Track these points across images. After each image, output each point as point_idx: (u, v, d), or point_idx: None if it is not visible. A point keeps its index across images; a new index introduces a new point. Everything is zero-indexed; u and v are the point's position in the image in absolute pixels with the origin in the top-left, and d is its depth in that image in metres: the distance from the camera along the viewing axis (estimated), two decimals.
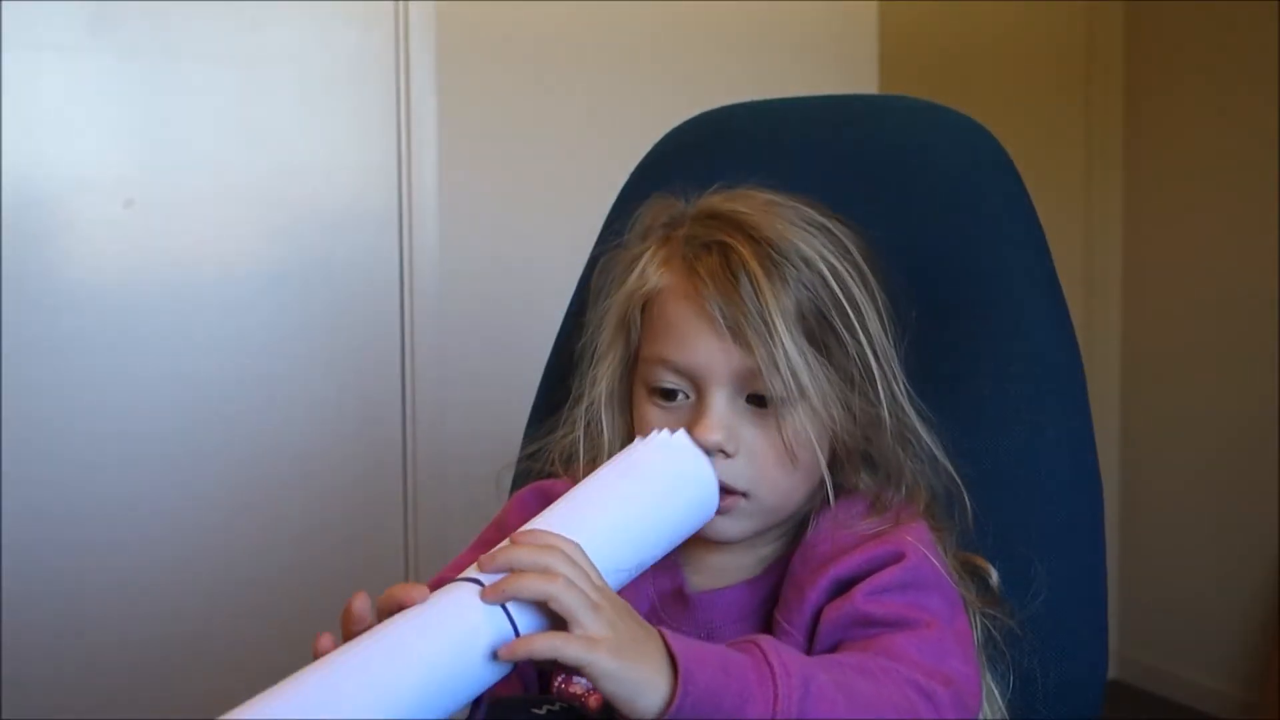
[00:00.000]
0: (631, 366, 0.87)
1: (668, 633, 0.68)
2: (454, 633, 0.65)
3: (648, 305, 0.85)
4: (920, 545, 0.80)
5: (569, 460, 0.91)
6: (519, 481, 0.98)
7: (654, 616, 0.86)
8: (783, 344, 0.78)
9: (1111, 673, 2.85)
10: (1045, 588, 0.93)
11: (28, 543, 1.82)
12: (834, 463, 0.84)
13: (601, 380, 0.89)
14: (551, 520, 0.73)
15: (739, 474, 0.81)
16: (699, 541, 0.85)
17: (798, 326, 0.79)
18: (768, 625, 0.84)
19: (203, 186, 1.91)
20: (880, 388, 0.82)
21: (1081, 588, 0.96)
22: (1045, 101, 3.04)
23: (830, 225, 0.85)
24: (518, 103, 2.11)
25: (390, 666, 0.63)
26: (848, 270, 0.83)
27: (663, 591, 0.88)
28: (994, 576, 0.87)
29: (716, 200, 0.87)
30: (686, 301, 0.82)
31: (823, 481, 0.84)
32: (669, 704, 0.65)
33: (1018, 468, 0.96)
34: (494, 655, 0.65)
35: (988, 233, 1.01)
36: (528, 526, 0.72)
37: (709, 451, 0.80)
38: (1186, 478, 2.78)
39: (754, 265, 0.80)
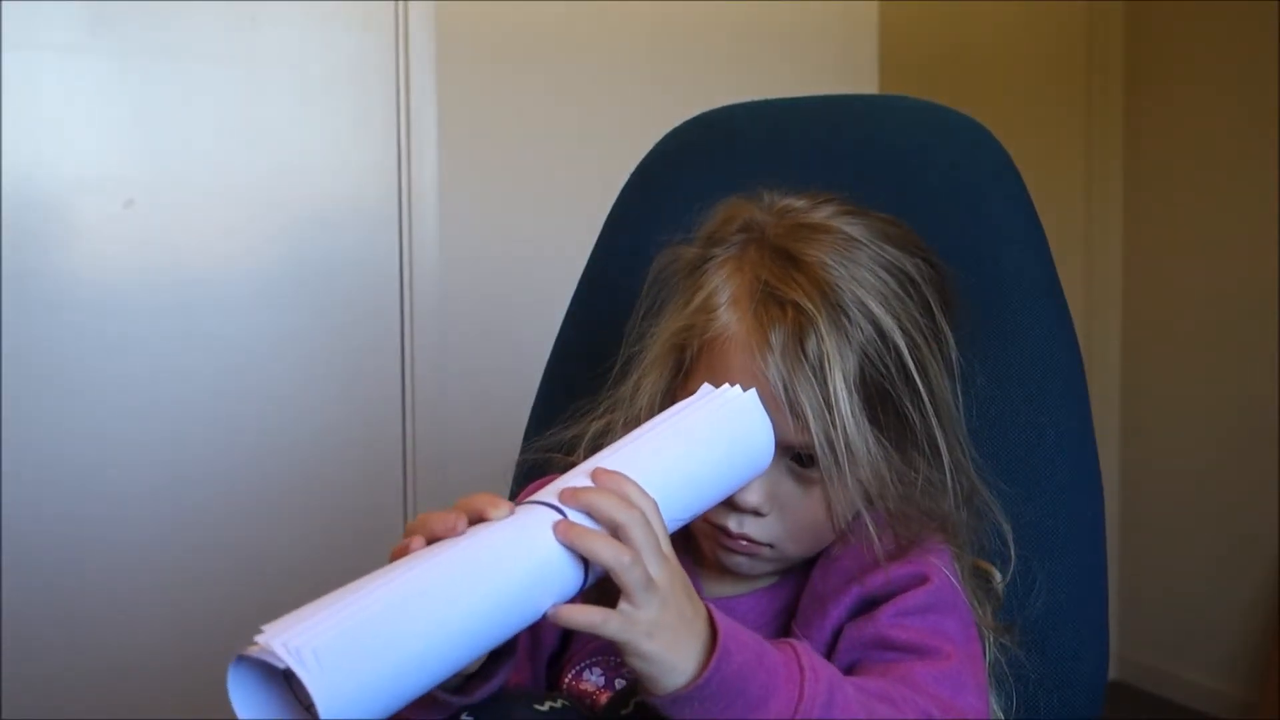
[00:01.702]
0: (678, 386, 0.84)
1: (714, 610, 0.68)
2: (521, 571, 0.64)
3: (709, 347, 0.82)
4: (943, 567, 0.80)
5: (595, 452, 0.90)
6: (534, 472, 0.97)
7: None
8: (841, 422, 0.75)
9: (1111, 673, 2.85)
10: (1045, 588, 0.93)
11: (28, 543, 1.82)
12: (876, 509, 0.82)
13: (644, 394, 0.85)
14: (623, 460, 0.71)
15: (768, 529, 0.80)
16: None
17: (859, 395, 0.76)
18: (784, 636, 0.83)
19: (203, 186, 1.91)
20: (945, 456, 0.80)
21: (1082, 588, 0.96)
22: (1045, 101, 3.04)
23: (910, 267, 0.81)
24: (518, 103, 2.11)
25: (471, 583, 0.63)
26: (922, 331, 0.80)
27: None
28: (996, 578, 0.87)
29: (796, 230, 0.82)
30: (748, 359, 0.78)
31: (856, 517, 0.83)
32: (698, 674, 0.65)
33: (1018, 468, 0.95)
34: (551, 602, 0.65)
35: (988, 232, 1.01)
36: (602, 461, 0.70)
37: (743, 511, 0.79)
38: (1186, 478, 2.77)
39: (826, 343, 0.76)
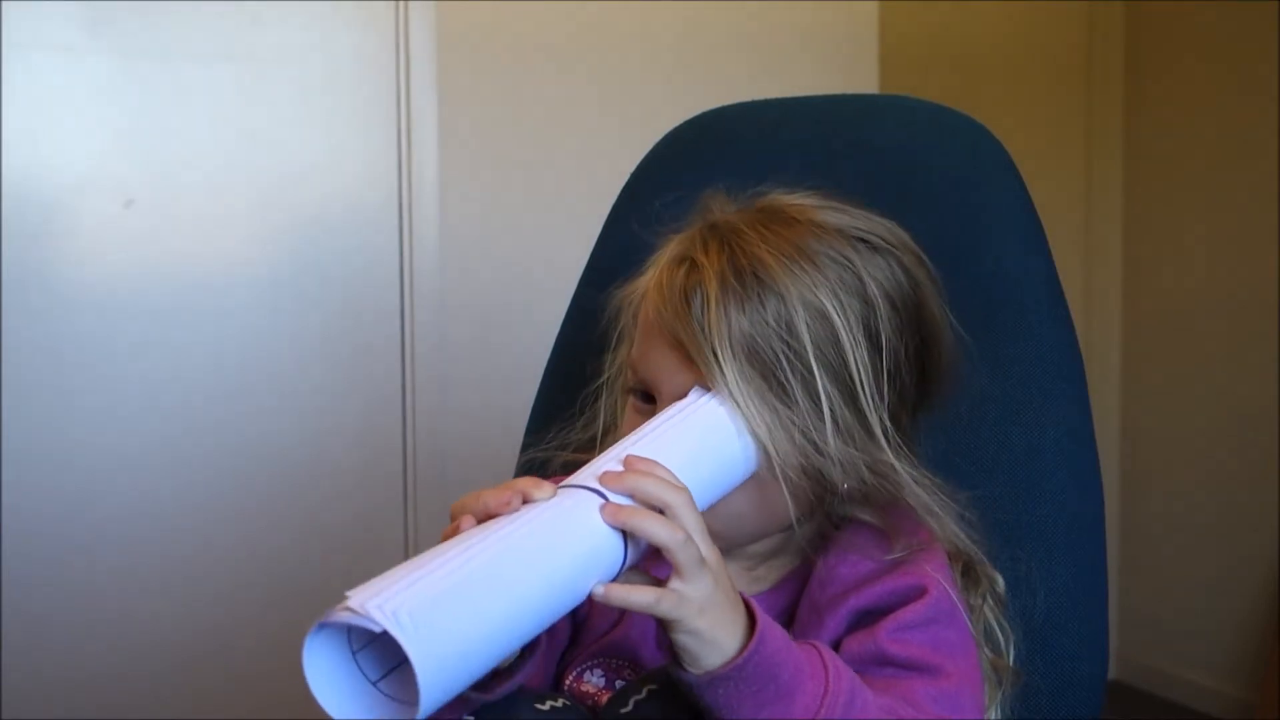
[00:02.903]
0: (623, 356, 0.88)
1: (749, 599, 0.69)
2: (576, 550, 0.65)
3: (637, 301, 0.86)
4: (940, 577, 0.80)
5: (590, 450, 0.90)
6: (535, 471, 0.97)
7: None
8: (724, 373, 0.75)
9: (1111, 673, 2.85)
10: (1046, 588, 0.93)
11: (28, 543, 1.82)
12: (820, 492, 0.81)
13: (611, 368, 0.90)
14: (644, 451, 0.72)
15: None
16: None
17: (747, 360, 0.76)
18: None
19: (203, 186, 1.91)
20: (854, 435, 0.78)
21: (1082, 587, 0.96)
22: (1045, 101, 3.04)
23: (847, 257, 0.80)
24: (517, 103, 2.11)
25: (539, 557, 0.64)
26: (840, 311, 0.78)
27: None
28: (999, 583, 0.87)
29: (744, 211, 0.84)
30: (653, 314, 0.81)
31: (811, 513, 0.83)
32: (739, 653, 0.66)
33: (1018, 468, 0.95)
34: (597, 583, 0.65)
35: (988, 232, 1.01)
36: (621, 454, 0.71)
37: None
38: (1186, 478, 2.77)
39: (713, 290, 0.77)
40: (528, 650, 0.70)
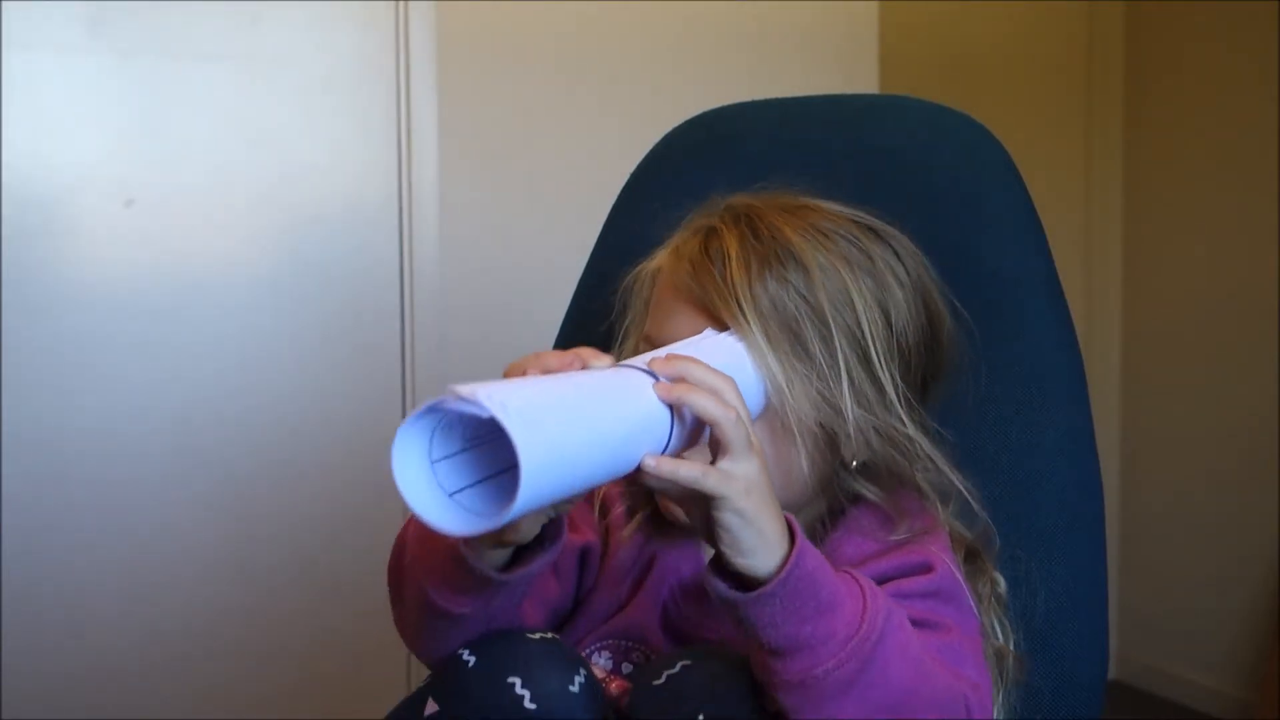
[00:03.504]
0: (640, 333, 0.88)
1: (789, 515, 0.69)
2: (634, 415, 0.65)
3: (650, 290, 0.87)
4: (945, 558, 0.81)
5: None
6: None
7: (674, 603, 0.87)
8: (747, 320, 0.77)
9: (1111, 673, 2.85)
10: (1046, 588, 0.93)
11: (28, 543, 1.82)
12: (831, 468, 0.83)
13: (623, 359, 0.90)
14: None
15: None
16: None
17: (769, 314, 0.77)
18: None
19: (203, 186, 1.90)
20: (868, 398, 0.79)
21: (1082, 587, 0.96)
22: (1045, 101, 3.04)
23: (857, 237, 0.83)
24: (518, 103, 2.11)
25: (609, 402, 0.64)
26: (854, 279, 0.81)
27: (682, 577, 0.88)
28: (1002, 585, 0.87)
29: (745, 195, 0.86)
30: (670, 280, 0.83)
31: (823, 486, 0.83)
32: (780, 569, 0.66)
33: (1018, 468, 0.96)
34: (645, 455, 0.65)
35: (988, 232, 1.01)
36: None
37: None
38: (1186, 478, 2.77)
39: (733, 248, 0.80)
40: (548, 536, 0.71)
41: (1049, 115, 3.03)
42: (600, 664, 0.85)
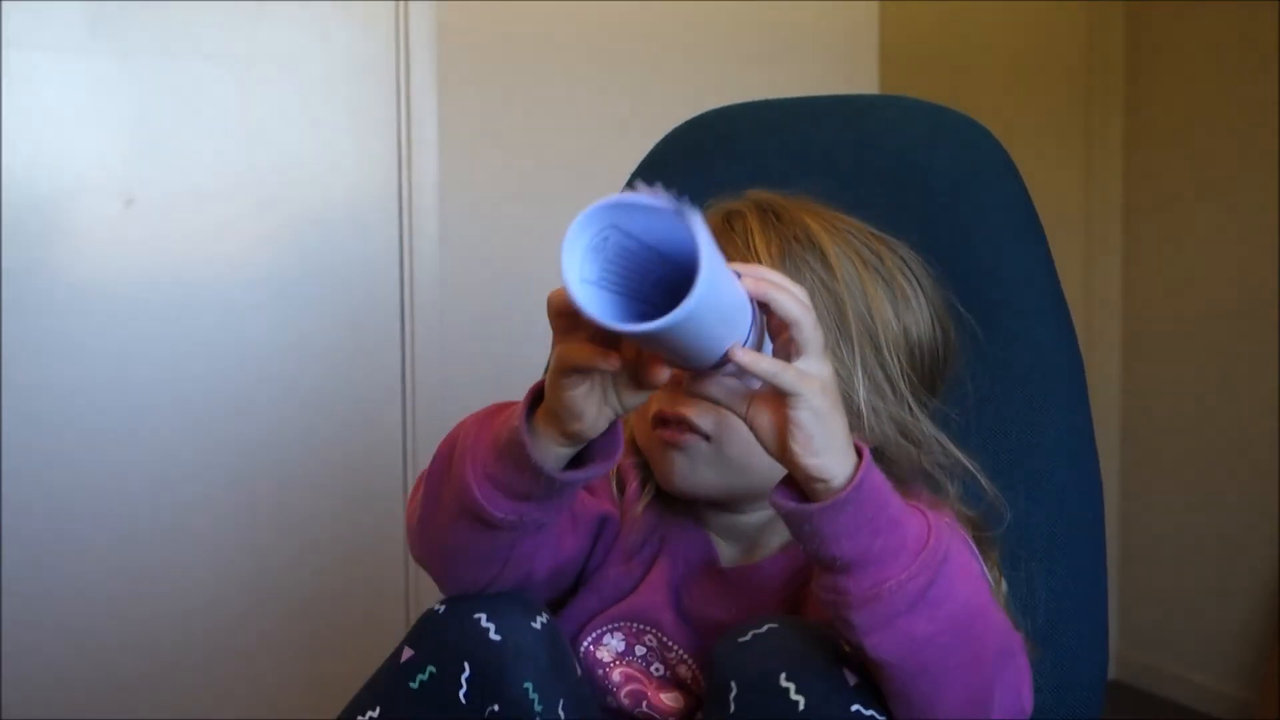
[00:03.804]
0: None
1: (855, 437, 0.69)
2: (733, 300, 0.64)
3: None
4: (959, 534, 0.81)
5: None
6: None
7: (685, 588, 0.88)
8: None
9: (1111, 673, 2.85)
10: (1046, 588, 0.93)
11: (28, 543, 1.82)
12: None
13: None
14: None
15: (703, 413, 0.82)
16: (727, 509, 0.87)
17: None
18: (801, 599, 0.85)
19: (203, 186, 1.90)
20: (878, 384, 0.82)
21: (1082, 588, 0.96)
22: (1045, 101, 3.04)
23: (869, 240, 0.85)
24: (518, 103, 2.11)
25: (725, 273, 0.62)
26: (868, 273, 0.83)
27: (690, 563, 0.89)
28: (1004, 585, 0.87)
29: (755, 190, 0.88)
30: None
31: None
32: (852, 477, 0.66)
33: (1018, 469, 0.96)
34: (733, 345, 0.64)
35: (989, 233, 1.02)
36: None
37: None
38: (1187, 478, 2.77)
39: (755, 226, 0.82)
40: (602, 452, 0.72)
41: (1049, 115, 3.02)
42: (612, 645, 0.86)
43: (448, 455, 0.76)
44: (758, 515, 0.89)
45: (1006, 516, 0.88)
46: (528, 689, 0.78)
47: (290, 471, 1.98)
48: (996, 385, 0.97)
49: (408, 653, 0.80)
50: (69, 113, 1.83)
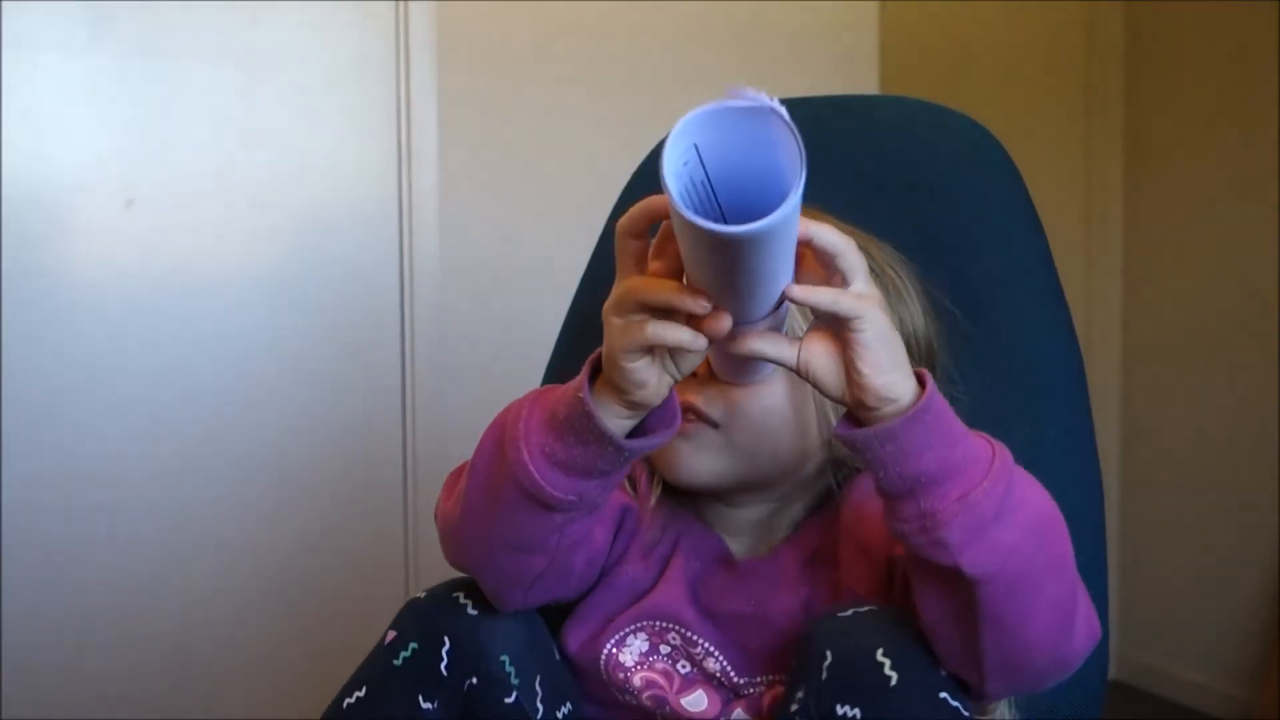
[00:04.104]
0: None
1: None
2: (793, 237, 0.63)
3: None
4: None
5: None
6: None
7: (701, 584, 0.88)
8: None
9: (1111, 673, 2.85)
10: None
11: (28, 543, 1.82)
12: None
13: None
14: None
15: (711, 400, 0.83)
16: (727, 504, 0.88)
17: None
18: (816, 586, 0.85)
19: (203, 186, 1.90)
20: None
21: None
22: (1045, 101, 3.04)
23: (863, 234, 0.86)
24: (518, 103, 2.11)
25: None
26: (863, 254, 0.84)
27: (705, 558, 0.89)
28: None
29: None
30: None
31: (833, 460, 0.86)
32: (922, 392, 0.67)
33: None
34: (789, 285, 0.65)
35: (989, 233, 1.01)
36: None
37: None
38: (1186, 478, 2.77)
39: None
40: (663, 423, 0.72)
41: (1049, 115, 3.02)
42: (635, 647, 0.86)
43: (497, 443, 0.76)
44: (757, 510, 0.89)
45: None
46: (504, 662, 0.80)
47: (290, 470, 1.98)
48: (997, 384, 0.97)
49: (391, 635, 0.83)
50: (69, 113, 1.83)
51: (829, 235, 0.66)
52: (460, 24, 2.04)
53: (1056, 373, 0.99)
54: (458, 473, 0.83)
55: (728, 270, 0.61)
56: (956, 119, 1.09)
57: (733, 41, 2.23)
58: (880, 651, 0.71)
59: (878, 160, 1.07)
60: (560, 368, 1.12)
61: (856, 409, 0.68)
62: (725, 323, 0.64)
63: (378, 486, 2.04)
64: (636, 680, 0.86)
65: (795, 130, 0.56)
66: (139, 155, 1.87)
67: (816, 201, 0.89)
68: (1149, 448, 2.87)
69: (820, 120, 1.14)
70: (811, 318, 0.69)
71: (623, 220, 0.66)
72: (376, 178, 2.01)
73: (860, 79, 2.28)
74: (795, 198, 0.56)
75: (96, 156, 1.85)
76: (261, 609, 1.97)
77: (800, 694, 0.72)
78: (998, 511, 0.67)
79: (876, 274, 0.85)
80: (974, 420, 0.95)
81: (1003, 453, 0.70)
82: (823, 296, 0.65)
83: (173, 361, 1.89)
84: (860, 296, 0.66)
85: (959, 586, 0.69)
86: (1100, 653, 0.97)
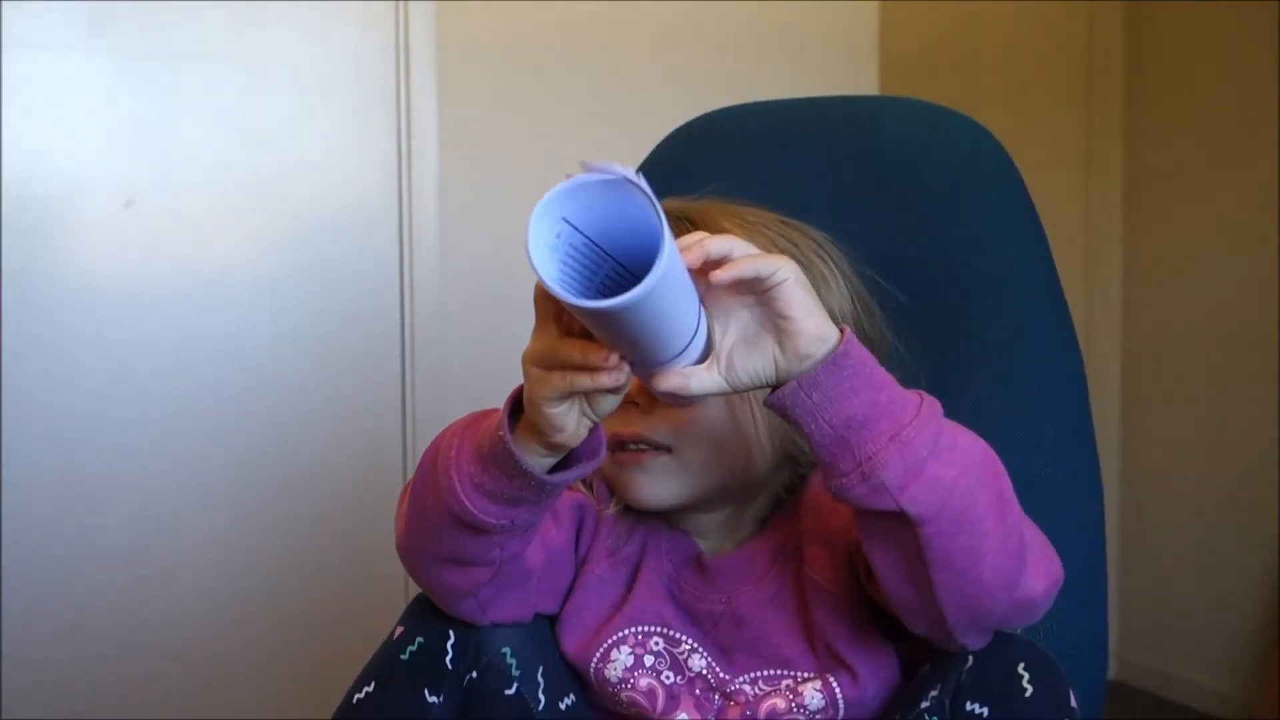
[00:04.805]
0: None
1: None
2: (684, 270, 0.65)
3: None
4: None
5: None
6: None
7: (674, 584, 0.89)
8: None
9: (1111, 673, 2.85)
10: None
11: (28, 543, 1.82)
12: (781, 439, 0.86)
13: None
14: None
15: (657, 427, 0.84)
16: (692, 509, 0.88)
17: None
18: (785, 580, 0.86)
19: (203, 186, 1.90)
20: None
21: (1081, 588, 0.96)
22: (1045, 101, 3.04)
23: (782, 230, 0.88)
24: (518, 103, 2.11)
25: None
26: (800, 251, 0.86)
27: (675, 559, 0.90)
28: None
29: (669, 200, 0.89)
30: None
31: (785, 457, 0.86)
32: (841, 339, 0.68)
33: (1018, 468, 0.95)
34: (714, 273, 0.66)
35: (989, 233, 1.01)
36: None
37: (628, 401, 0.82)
38: (1186, 478, 2.77)
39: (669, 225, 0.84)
40: (585, 454, 0.74)
41: (1049, 115, 3.03)
42: (619, 661, 0.86)
43: (431, 467, 0.78)
44: (721, 512, 0.90)
45: None
46: (505, 654, 0.82)
47: (290, 471, 1.98)
48: (997, 384, 0.97)
49: (398, 630, 0.86)
50: (69, 113, 1.83)
51: (714, 245, 0.67)
52: (460, 24, 2.04)
53: (1056, 372, 0.99)
54: (404, 491, 0.85)
55: (623, 329, 0.63)
56: (956, 119, 1.09)
57: (732, 41, 2.23)
58: (1022, 665, 0.75)
59: (878, 161, 1.07)
60: None
61: (787, 373, 0.69)
62: (624, 374, 0.67)
63: (378, 486, 2.04)
64: (623, 697, 0.86)
65: (651, 194, 0.57)
66: (139, 155, 1.87)
67: (814, 199, 0.89)
68: (1149, 448, 2.87)
69: (820, 120, 1.14)
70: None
71: (538, 283, 0.67)
72: (376, 178, 2.01)
73: (860, 79, 2.28)
74: (660, 265, 0.57)
75: (96, 156, 1.85)
76: (261, 608, 1.97)
77: (934, 692, 0.75)
78: (932, 449, 0.69)
79: (802, 263, 0.85)
80: (975, 420, 0.95)
81: (931, 400, 0.71)
82: (745, 267, 0.66)
83: (172, 361, 1.89)
84: (768, 255, 0.68)
85: (905, 533, 0.70)
86: (1100, 653, 0.97)
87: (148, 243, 1.88)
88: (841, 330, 0.69)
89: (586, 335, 0.67)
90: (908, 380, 0.73)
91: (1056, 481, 0.96)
